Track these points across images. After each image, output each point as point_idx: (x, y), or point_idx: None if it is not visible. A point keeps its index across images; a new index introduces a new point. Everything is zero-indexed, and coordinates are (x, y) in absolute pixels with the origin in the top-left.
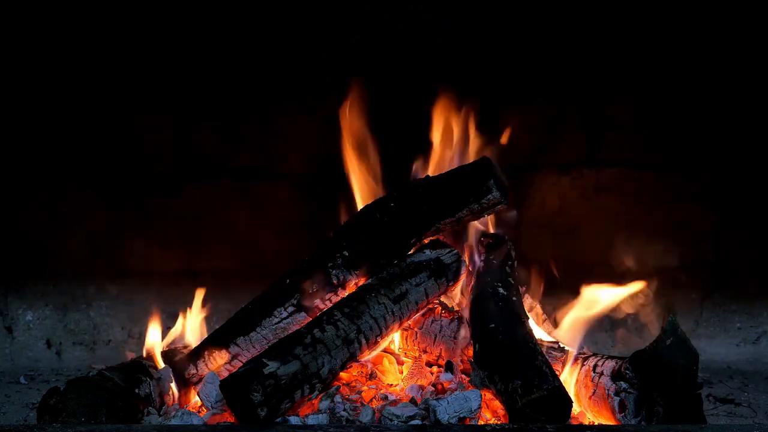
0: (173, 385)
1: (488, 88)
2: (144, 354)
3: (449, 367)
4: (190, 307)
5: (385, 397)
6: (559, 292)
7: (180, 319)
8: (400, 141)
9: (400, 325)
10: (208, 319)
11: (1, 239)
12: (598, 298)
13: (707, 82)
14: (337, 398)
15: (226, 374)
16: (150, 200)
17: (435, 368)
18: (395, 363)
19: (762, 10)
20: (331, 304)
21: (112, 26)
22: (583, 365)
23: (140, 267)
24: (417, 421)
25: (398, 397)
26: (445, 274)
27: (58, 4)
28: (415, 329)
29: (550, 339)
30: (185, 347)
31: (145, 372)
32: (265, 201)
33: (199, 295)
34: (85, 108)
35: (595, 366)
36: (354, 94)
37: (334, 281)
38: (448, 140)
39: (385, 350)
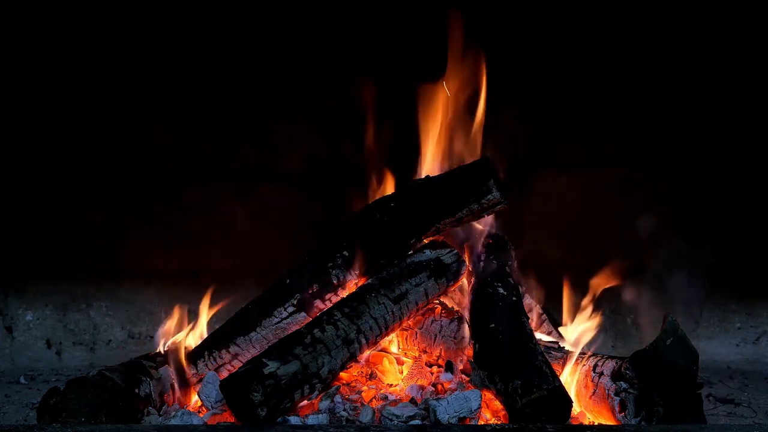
0: (173, 385)
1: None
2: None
3: (449, 367)
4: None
5: (385, 397)
6: (559, 292)
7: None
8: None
9: (400, 325)
10: (208, 319)
11: (1, 239)
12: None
13: (708, 83)
14: (337, 398)
15: (226, 374)
16: (150, 200)
17: (435, 368)
18: (395, 363)
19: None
20: (331, 304)
21: (113, 27)
22: (583, 365)
23: (140, 267)
24: (417, 421)
25: (398, 397)
26: (445, 274)
27: (60, 6)
28: (415, 329)
29: (550, 339)
30: (185, 347)
31: (145, 372)
32: (265, 201)
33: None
34: (85, 109)
35: (595, 366)
36: None
37: (334, 281)
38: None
39: (385, 350)
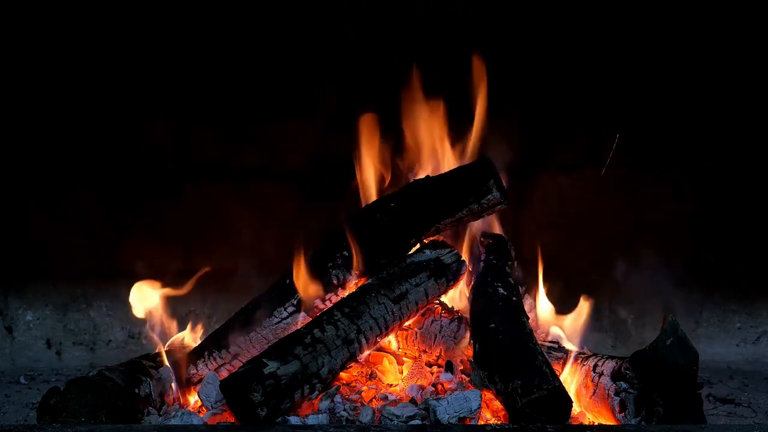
0: (173, 385)
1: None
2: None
3: (449, 367)
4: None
5: (385, 397)
6: (559, 292)
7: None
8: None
9: (400, 325)
10: (208, 319)
11: (1, 239)
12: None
13: (708, 84)
14: (337, 398)
15: (226, 374)
16: (150, 200)
17: (435, 368)
18: (395, 363)
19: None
20: (331, 304)
21: (113, 27)
22: (583, 365)
23: (140, 267)
24: (417, 421)
25: (398, 397)
26: (445, 274)
27: (60, 6)
28: (415, 329)
29: (550, 339)
30: (185, 347)
31: (145, 372)
32: (265, 201)
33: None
34: (85, 108)
35: (595, 366)
36: None
37: (334, 281)
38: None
39: (385, 350)
